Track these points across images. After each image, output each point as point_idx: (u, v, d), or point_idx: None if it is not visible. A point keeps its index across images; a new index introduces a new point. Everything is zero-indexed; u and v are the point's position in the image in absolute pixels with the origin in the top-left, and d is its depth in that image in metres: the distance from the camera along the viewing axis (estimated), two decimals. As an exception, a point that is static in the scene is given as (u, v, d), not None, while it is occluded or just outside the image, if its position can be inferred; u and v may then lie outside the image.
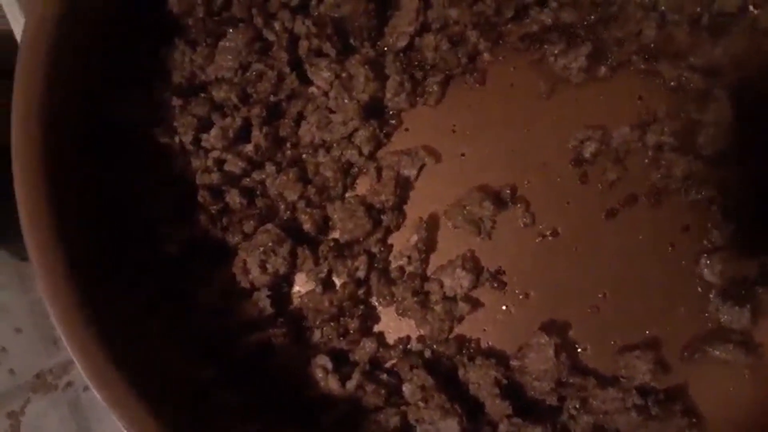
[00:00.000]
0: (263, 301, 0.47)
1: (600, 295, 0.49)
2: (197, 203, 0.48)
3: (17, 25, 0.55)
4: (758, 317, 0.48)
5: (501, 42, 0.53)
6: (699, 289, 0.49)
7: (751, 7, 0.52)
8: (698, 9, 0.51)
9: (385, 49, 0.52)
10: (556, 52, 0.51)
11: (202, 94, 0.50)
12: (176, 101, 0.48)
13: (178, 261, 0.47)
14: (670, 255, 0.49)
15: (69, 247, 0.39)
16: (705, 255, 0.48)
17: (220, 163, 0.48)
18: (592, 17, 0.52)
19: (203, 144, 0.48)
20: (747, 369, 0.47)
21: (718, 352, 0.47)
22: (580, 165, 0.51)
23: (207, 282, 0.48)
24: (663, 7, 0.52)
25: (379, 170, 0.51)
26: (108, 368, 0.38)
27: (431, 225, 0.50)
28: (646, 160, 0.51)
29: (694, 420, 0.45)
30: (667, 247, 0.49)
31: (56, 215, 0.39)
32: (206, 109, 0.48)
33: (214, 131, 0.48)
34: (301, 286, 0.50)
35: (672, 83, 0.52)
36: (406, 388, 0.45)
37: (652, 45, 0.52)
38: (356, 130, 0.50)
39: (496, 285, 0.49)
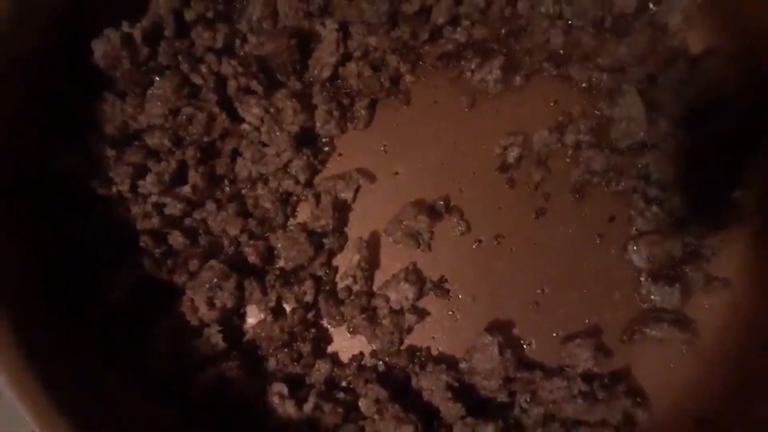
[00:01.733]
0: (215, 336, 0.48)
1: (539, 291, 0.51)
2: (140, 248, 0.48)
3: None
4: (688, 295, 0.51)
5: (420, 63, 0.55)
6: (630, 275, 0.51)
7: (651, 5, 0.55)
8: (600, 13, 0.55)
9: (311, 80, 0.54)
10: (472, 67, 0.54)
11: (136, 142, 0.51)
12: (110, 152, 0.49)
13: (126, 306, 0.48)
14: (599, 245, 0.52)
15: (13, 307, 0.39)
16: (632, 241, 0.51)
17: (159, 207, 0.50)
18: (503, 31, 0.55)
19: (141, 190, 0.49)
20: (684, 345, 0.50)
21: (654, 332, 0.49)
22: (506, 170, 0.53)
23: (157, 324, 0.49)
24: (567, 15, 0.55)
25: (317, 196, 0.52)
26: (63, 422, 0.39)
27: (372, 243, 0.52)
28: (567, 159, 0.54)
29: (638, 399, 0.48)
30: (596, 238, 0.52)
31: None
32: (141, 156, 0.50)
33: (150, 177, 0.49)
34: (252, 317, 0.51)
35: (583, 84, 0.55)
36: (362, 403, 0.46)
37: (561, 51, 0.55)
38: (290, 160, 0.52)
39: (439, 293, 0.51)
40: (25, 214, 0.45)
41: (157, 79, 0.51)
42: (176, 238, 0.49)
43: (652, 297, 0.50)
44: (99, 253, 0.47)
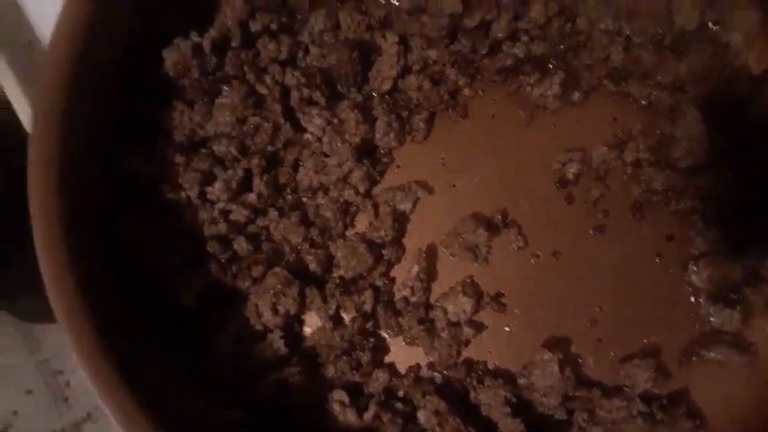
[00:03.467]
0: (277, 342, 0.49)
1: (596, 309, 0.51)
2: (207, 253, 0.50)
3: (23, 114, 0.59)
4: (748, 317, 0.50)
5: (479, 77, 0.56)
6: (690, 295, 0.51)
7: (710, 24, 0.55)
8: (660, 30, 0.55)
9: (372, 92, 0.55)
10: (531, 82, 0.55)
11: (203, 150, 0.52)
12: (179, 158, 0.51)
13: (194, 310, 0.49)
14: (658, 264, 0.52)
15: (94, 308, 0.41)
16: (692, 262, 0.51)
17: (225, 213, 0.51)
18: (562, 47, 0.56)
19: (209, 197, 0.50)
20: (743, 368, 0.49)
21: (713, 354, 0.49)
22: (565, 186, 0.54)
23: (223, 328, 0.50)
24: (627, 32, 0.55)
25: (376, 207, 0.53)
26: (139, 414, 0.40)
27: (430, 255, 0.53)
28: (626, 177, 0.54)
29: (698, 422, 0.47)
30: (655, 257, 0.52)
31: (77, 277, 0.41)
32: (208, 164, 0.51)
33: (217, 184, 0.50)
34: (311, 324, 0.52)
35: (643, 102, 0.55)
36: (421, 415, 0.47)
37: (620, 68, 0.55)
38: (351, 171, 0.53)
39: (496, 307, 0.51)
40: (103, 220, 0.47)
41: (225, 88, 0.52)
42: (241, 245, 0.50)
43: (711, 319, 0.50)
44: (171, 259, 0.49)
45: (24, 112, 0.61)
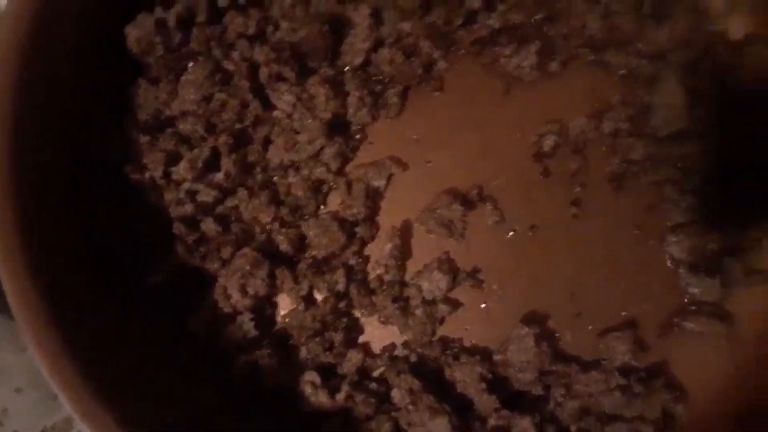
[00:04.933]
0: (247, 324, 0.48)
1: (575, 283, 0.50)
2: (173, 235, 0.49)
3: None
4: (728, 288, 0.49)
5: (454, 49, 0.54)
6: (669, 266, 0.50)
7: (690, -11, 0.54)
8: (639, -3, 0.53)
9: (344, 67, 0.54)
10: (507, 53, 0.53)
11: (169, 129, 0.51)
12: (143, 138, 0.49)
13: (163, 291, 0.48)
14: (637, 236, 0.51)
15: (51, 294, 0.40)
16: (670, 232, 0.50)
17: (192, 194, 0.50)
18: (538, 16, 0.54)
19: (174, 177, 0.49)
20: (723, 338, 0.48)
21: (693, 325, 0.48)
22: (541, 159, 0.52)
23: (194, 309, 0.49)
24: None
25: (348, 184, 0.52)
26: (100, 405, 0.39)
27: (405, 232, 0.52)
28: (604, 148, 0.52)
29: (677, 393, 0.47)
30: (634, 229, 0.51)
31: (34, 260, 0.40)
32: (174, 143, 0.50)
33: (183, 164, 0.49)
34: (284, 307, 0.51)
35: (621, 71, 0.53)
36: (395, 394, 0.46)
37: (598, 36, 0.54)
38: (323, 148, 0.52)
39: (473, 284, 0.50)
40: (73, 202, 0.45)
41: (191, 65, 0.51)
42: (208, 226, 0.49)
43: (691, 289, 0.49)
44: (138, 240, 0.48)
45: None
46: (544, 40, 0.53)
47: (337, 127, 0.53)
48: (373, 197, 0.52)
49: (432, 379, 0.47)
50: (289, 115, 0.52)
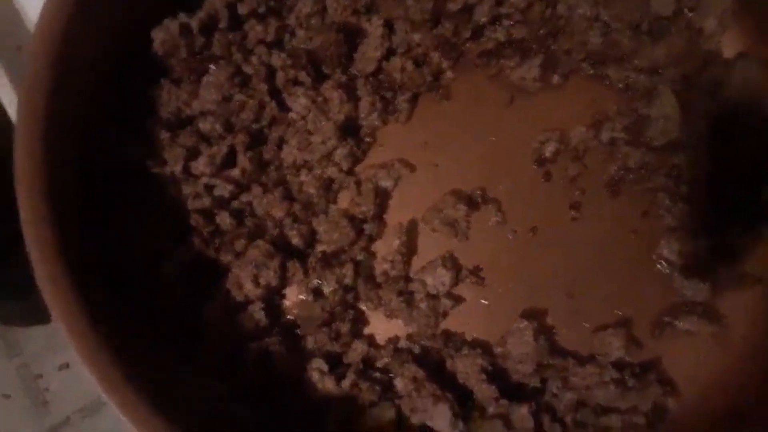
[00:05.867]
0: (258, 313, 0.50)
1: (572, 283, 0.52)
2: (190, 227, 0.51)
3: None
4: (720, 291, 0.51)
5: (461, 59, 0.57)
6: (662, 269, 0.52)
7: (686, 10, 0.57)
8: (638, 16, 0.56)
9: (356, 73, 0.56)
10: (512, 65, 0.56)
11: (189, 127, 0.54)
12: (164, 134, 0.52)
13: (179, 283, 0.50)
14: (633, 239, 0.53)
15: (84, 292, 0.42)
16: (664, 237, 0.52)
17: (209, 188, 0.52)
18: (542, 31, 0.57)
19: (193, 171, 0.52)
20: (713, 338, 0.51)
21: (684, 324, 0.50)
22: (543, 164, 0.55)
23: (209, 299, 0.51)
24: (605, 17, 0.57)
25: (358, 184, 0.54)
26: (128, 388, 0.41)
27: (410, 230, 0.54)
28: (603, 155, 0.55)
29: (668, 388, 0.49)
30: (630, 233, 0.53)
31: (66, 261, 0.42)
32: (194, 140, 0.52)
33: (202, 159, 0.51)
34: (293, 298, 0.53)
35: (620, 84, 0.56)
36: (398, 382, 0.48)
37: (598, 52, 0.57)
38: (335, 148, 0.54)
39: (475, 281, 0.52)
40: (93, 200, 0.48)
41: (212, 67, 0.53)
42: (224, 219, 0.51)
43: (683, 290, 0.51)
44: (155, 233, 0.50)
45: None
46: (547, 54, 0.57)
47: (349, 129, 0.56)
48: (382, 196, 0.55)
49: (434, 370, 0.49)
50: (304, 117, 0.54)
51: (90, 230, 0.47)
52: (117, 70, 0.52)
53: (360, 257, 0.53)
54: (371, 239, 0.54)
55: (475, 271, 0.53)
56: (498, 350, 0.49)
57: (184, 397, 0.46)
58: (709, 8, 0.56)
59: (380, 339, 0.52)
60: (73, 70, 0.48)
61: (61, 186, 0.45)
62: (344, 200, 0.55)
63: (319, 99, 0.54)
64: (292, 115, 0.55)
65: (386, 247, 0.54)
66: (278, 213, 0.53)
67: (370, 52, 0.56)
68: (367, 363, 0.50)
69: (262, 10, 0.56)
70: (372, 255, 0.54)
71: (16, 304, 0.87)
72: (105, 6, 0.50)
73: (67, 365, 0.94)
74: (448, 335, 0.51)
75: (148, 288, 0.50)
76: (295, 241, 0.52)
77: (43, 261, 0.42)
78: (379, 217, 0.54)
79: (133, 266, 0.50)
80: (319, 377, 0.48)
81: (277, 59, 0.55)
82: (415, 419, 0.46)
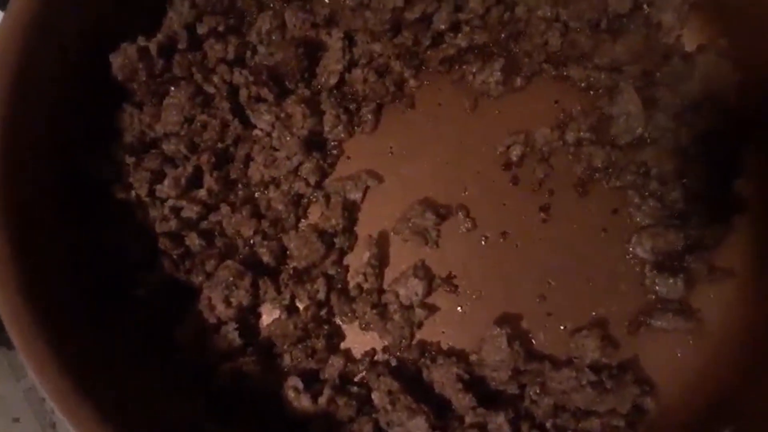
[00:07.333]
0: (231, 333, 0.49)
1: (546, 285, 0.52)
2: (159, 250, 0.50)
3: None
4: (693, 285, 0.51)
5: (423, 67, 0.57)
6: (635, 267, 0.52)
7: (645, 6, 0.57)
8: (596, 14, 0.57)
9: (319, 87, 0.56)
10: (473, 70, 0.56)
11: (154, 150, 0.53)
12: (129, 159, 0.51)
13: (151, 305, 0.50)
14: (604, 239, 0.53)
15: (52, 310, 0.41)
16: (635, 234, 0.52)
17: (176, 210, 0.52)
18: (502, 35, 0.57)
19: (158, 194, 0.51)
20: (689, 334, 0.51)
21: (660, 323, 0.50)
22: (509, 168, 0.55)
23: (180, 321, 0.50)
24: (564, 17, 0.57)
25: (327, 197, 0.54)
26: (93, 413, 0.40)
27: (381, 242, 0.54)
28: (569, 156, 0.55)
29: (646, 388, 0.48)
30: (600, 232, 0.53)
31: (29, 284, 0.41)
32: (158, 163, 0.52)
33: (167, 181, 0.51)
34: (267, 316, 0.52)
35: (582, 84, 0.57)
36: (375, 395, 0.47)
37: (559, 52, 0.57)
38: (301, 163, 0.54)
39: (448, 289, 0.52)
40: (63, 220, 0.47)
41: (173, 89, 0.53)
42: (193, 240, 0.51)
43: (656, 288, 0.51)
44: (126, 256, 0.49)
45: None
46: (508, 57, 0.57)
47: (315, 143, 0.55)
48: (351, 209, 0.54)
49: (412, 381, 0.49)
50: (269, 134, 0.54)
51: (62, 252, 0.47)
52: (80, 95, 0.52)
53: (332, 271, 0.53)
54: (342, 253, 0.54)
55: (448, 279, 0.52)
56: (474, 358, 0.49)
57: (159, 417, 0.45)
58: (667, 2, 0.56)
59: (357, 353, 0.52)
60: (30, 98, 0.47)
61: (24, 212, 0.45)
62: (314, 215, 0.55)
63: (283, 115, 0.54)
64: (256, 132, 0.54)
65: (358, 259, 0.53)
66: (247, 231, 0.52)
67: (331, 65, 0.56)
68: (344, 377, 0.50)
69: (221, 28, 0.55)
70: (344, 268, 0.53)
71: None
72: (61, 30, 0.50)
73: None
74: (423, 345, 0.51)
75: (121, 309, 0.49)
76: (266, 258, 0.52)
77: (7, 301, 0.41)
78: (349, 229, 0.54)
79: (105, 288, 0.49)
80: (295, 395, 0.47)
81: (238, 77, 0.54)
82: (393, 433, 0.46)
